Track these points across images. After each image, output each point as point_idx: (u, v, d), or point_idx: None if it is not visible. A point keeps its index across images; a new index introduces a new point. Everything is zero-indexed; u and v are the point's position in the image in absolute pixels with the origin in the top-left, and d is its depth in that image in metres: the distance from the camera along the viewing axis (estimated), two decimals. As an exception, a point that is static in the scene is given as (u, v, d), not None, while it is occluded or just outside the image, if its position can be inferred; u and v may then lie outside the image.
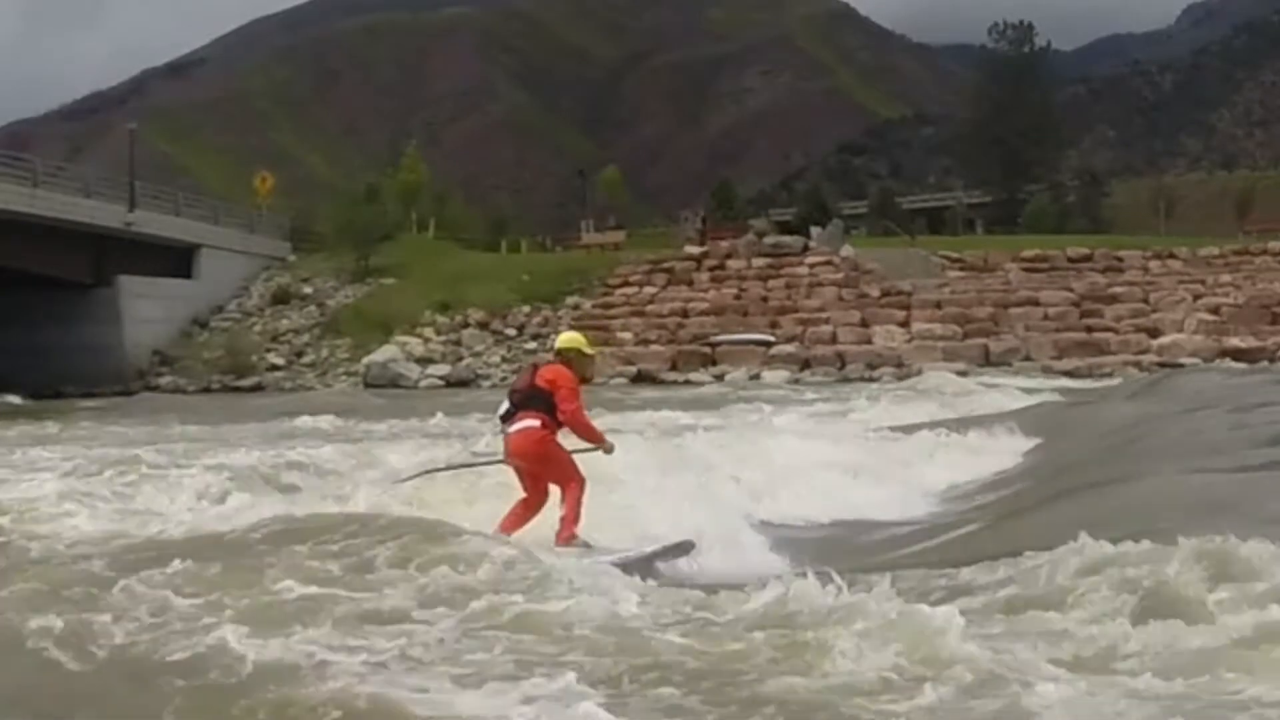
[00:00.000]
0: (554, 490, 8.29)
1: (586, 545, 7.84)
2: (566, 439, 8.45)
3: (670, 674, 4.30)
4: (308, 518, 7.20)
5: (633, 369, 36.82)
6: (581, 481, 8.19)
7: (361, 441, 15.61)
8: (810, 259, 43.16)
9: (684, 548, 8.06)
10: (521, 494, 8.34)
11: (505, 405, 8.45)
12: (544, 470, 8.25)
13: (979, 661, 4.22)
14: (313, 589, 5.47)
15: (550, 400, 8.19)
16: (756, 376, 35.32)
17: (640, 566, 7.21)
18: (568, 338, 8.78)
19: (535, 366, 8.55)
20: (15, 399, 32.44)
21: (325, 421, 20.09)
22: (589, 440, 8.37)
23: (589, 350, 8.73)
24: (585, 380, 8.58)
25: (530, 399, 8.26)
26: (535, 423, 8.18)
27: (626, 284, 43.93)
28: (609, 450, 8.47)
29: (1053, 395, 23.28)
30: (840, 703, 4.01)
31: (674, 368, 37.43)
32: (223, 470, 10.82)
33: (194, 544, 6.69)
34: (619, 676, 4.29)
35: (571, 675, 4.17)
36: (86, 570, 6.03)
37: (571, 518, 8.04)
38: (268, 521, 7.01)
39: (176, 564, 5.87)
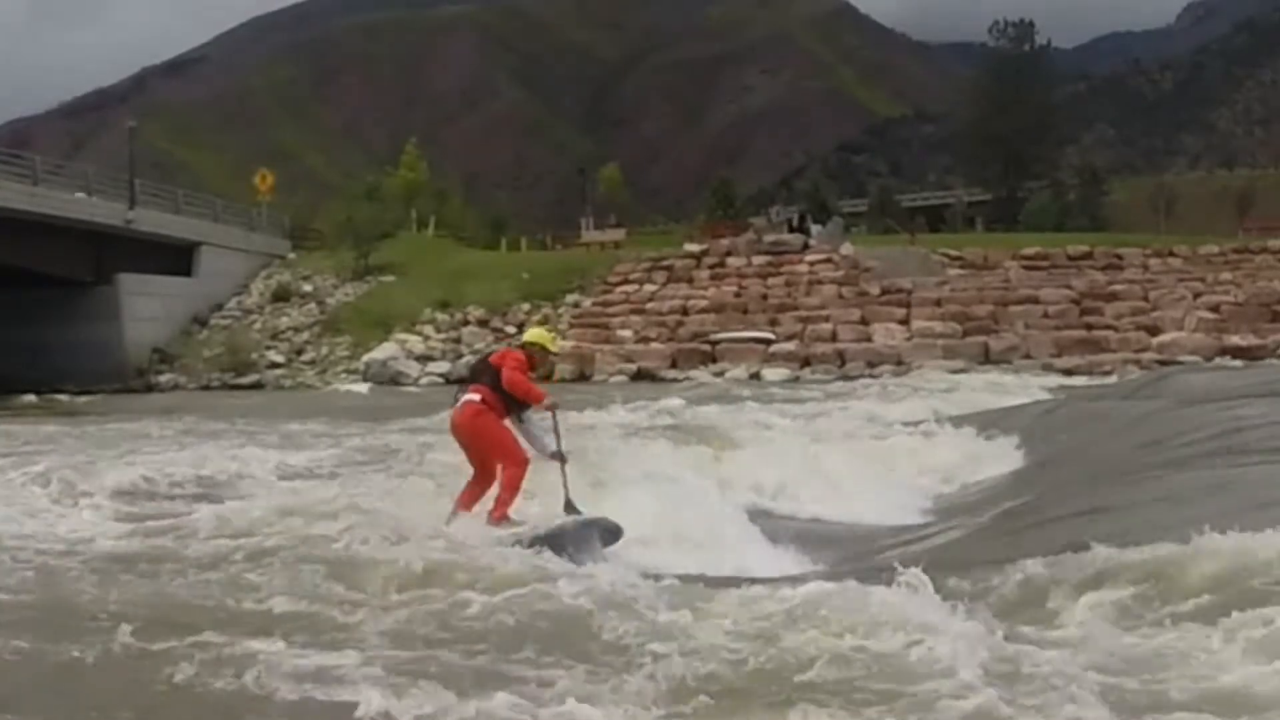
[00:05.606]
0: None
1: (516, 525, 7.88)
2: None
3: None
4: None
5: (632, 366, 36.76)
6: (522, 463, 8.20)
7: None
8: (810, 257, 43.09)
9: (600, 525, 7.96)
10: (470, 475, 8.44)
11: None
12: (481, 444, 8.27)
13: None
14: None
15: (496, 375, 8.24)
16: (756, 374, 35.26)
17: (551, 541, 7.29)
18: (534, 334, 8.90)
19: (495, 351, 8.72)
20: None
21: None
22: (529, 399, 8.26)
23: (553, 349, 8.81)
24: (545, 376, 8.61)
25: (477, 374, 8.43)
26: (475, 396, 8.26)
27: (626, 282, 43.85)
28: (552, 407, 8.34)
29: (1043, 394, 23.12)
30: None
31: (674, 365, 37.35)
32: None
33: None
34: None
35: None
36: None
37: (505, 497, 8.09)
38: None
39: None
